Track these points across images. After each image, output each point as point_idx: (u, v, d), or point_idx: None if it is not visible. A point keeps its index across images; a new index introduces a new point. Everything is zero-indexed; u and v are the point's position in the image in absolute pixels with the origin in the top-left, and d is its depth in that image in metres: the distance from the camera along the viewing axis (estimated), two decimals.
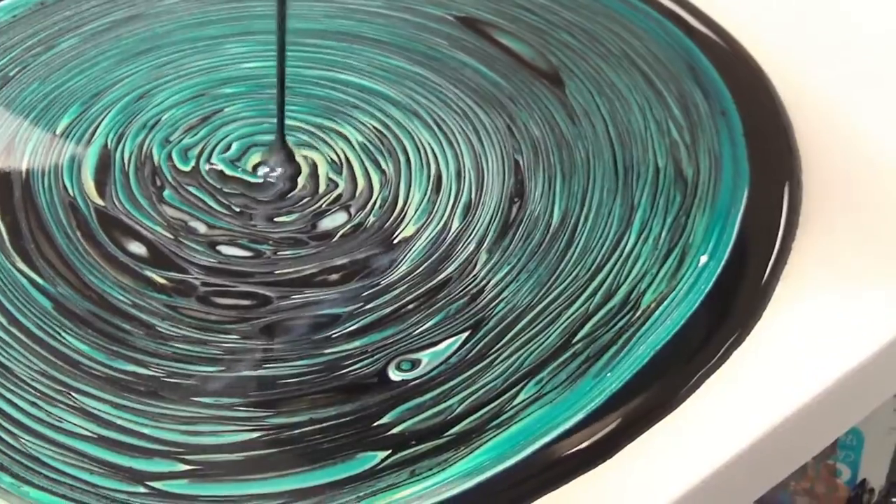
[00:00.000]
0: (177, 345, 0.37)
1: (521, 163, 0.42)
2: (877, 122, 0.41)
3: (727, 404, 0.33)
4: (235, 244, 0.40)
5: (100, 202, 0.42)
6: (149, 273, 0.39)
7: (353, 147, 0.43)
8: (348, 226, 0.40)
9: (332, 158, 0.43)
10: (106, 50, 0.48)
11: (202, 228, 0.41)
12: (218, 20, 0.49)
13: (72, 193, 0.42)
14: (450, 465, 0.33)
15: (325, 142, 0.43)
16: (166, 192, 0.42)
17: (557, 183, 0.41)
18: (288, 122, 0.44)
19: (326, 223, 0.40)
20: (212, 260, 0.39)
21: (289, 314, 0.37)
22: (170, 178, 0.42)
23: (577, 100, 0.44)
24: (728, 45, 0.45)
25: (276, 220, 0.41)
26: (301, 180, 0.42)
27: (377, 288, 0.38)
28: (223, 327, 0.37)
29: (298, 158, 0.43)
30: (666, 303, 0.36)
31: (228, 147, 0.44)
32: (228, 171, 0.43)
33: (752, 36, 0.45)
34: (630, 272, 0.37)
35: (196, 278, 0.39)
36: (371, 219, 0.40)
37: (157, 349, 0.37)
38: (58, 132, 0.44)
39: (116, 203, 0.42)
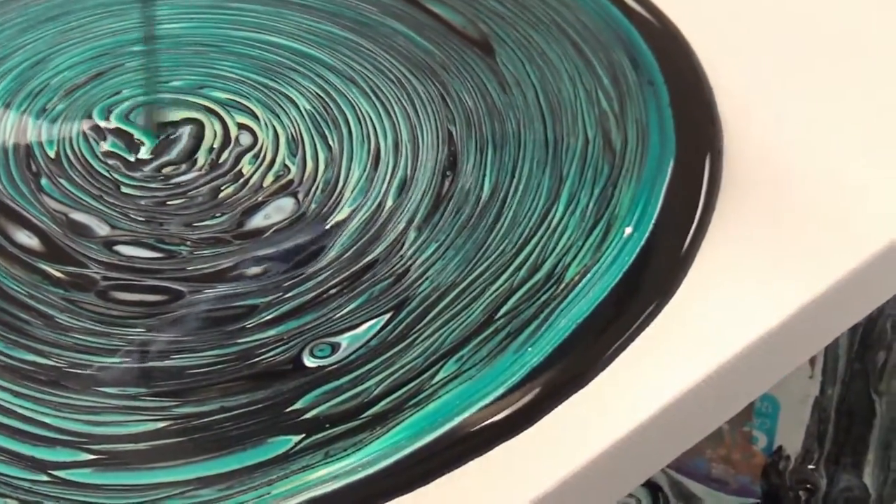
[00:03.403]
0: (77, 336, 0.37)
1: (454, 134, 0.42)
2: (796, 96, 0.42)
3: (643, 373, 0.34)
4: (141, 244, 0.39)
5: None
6: (43, 266, 0.39)
7: (304, 116, 0.43)
8: (291, 217, 0.40)
9: (291, 135, 0.42)
10: (12, 18, 0.47)
11: (104, 230, 0.40)
12: None
13: None
14: (365, 445, 0.33)
15: (282, 107, 0.43)
16: (43, 181, 0.41)
17: (489, 154, 0.41)
18: (231, 74, 0.44)
19: (258, 220, 0.40)
20: (113, 257, 0.39)
21: (201, 307, 0.38)
22: (43, 166, 0.42)
23: (508, 68, 0.45)
24: (654, 18, 0.46)
25: (195, 224, 0.40)
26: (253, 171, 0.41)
27: (300, 277, 0.38)
28: (127, 322, 0.37)
29: (262, 127, 0.43)
30: (589, 275, 0.37)
31: (109, 110, 0.43)
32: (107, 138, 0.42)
33: (679, 9, 0.46)
34: (556, 245, 0.38)
35: (96, 272, 0.39)
36: (312, 206, 0.40)
37: (58, 339, 0.37)
38: None
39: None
